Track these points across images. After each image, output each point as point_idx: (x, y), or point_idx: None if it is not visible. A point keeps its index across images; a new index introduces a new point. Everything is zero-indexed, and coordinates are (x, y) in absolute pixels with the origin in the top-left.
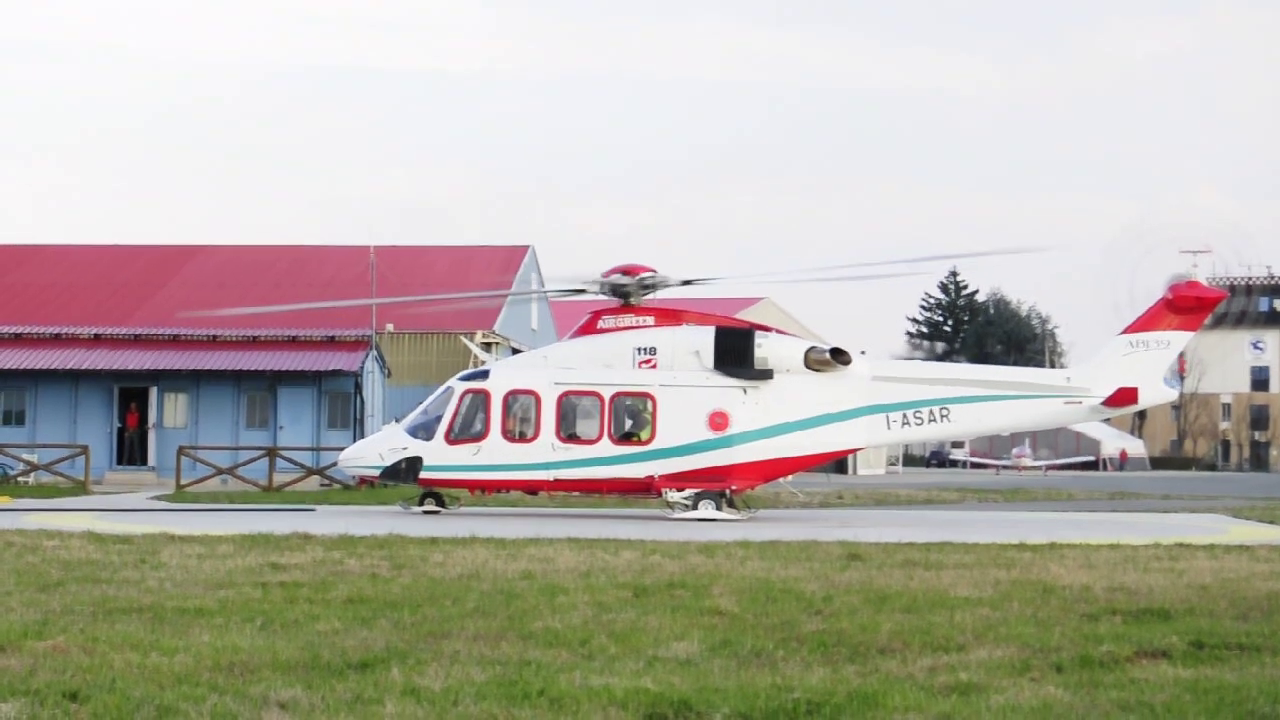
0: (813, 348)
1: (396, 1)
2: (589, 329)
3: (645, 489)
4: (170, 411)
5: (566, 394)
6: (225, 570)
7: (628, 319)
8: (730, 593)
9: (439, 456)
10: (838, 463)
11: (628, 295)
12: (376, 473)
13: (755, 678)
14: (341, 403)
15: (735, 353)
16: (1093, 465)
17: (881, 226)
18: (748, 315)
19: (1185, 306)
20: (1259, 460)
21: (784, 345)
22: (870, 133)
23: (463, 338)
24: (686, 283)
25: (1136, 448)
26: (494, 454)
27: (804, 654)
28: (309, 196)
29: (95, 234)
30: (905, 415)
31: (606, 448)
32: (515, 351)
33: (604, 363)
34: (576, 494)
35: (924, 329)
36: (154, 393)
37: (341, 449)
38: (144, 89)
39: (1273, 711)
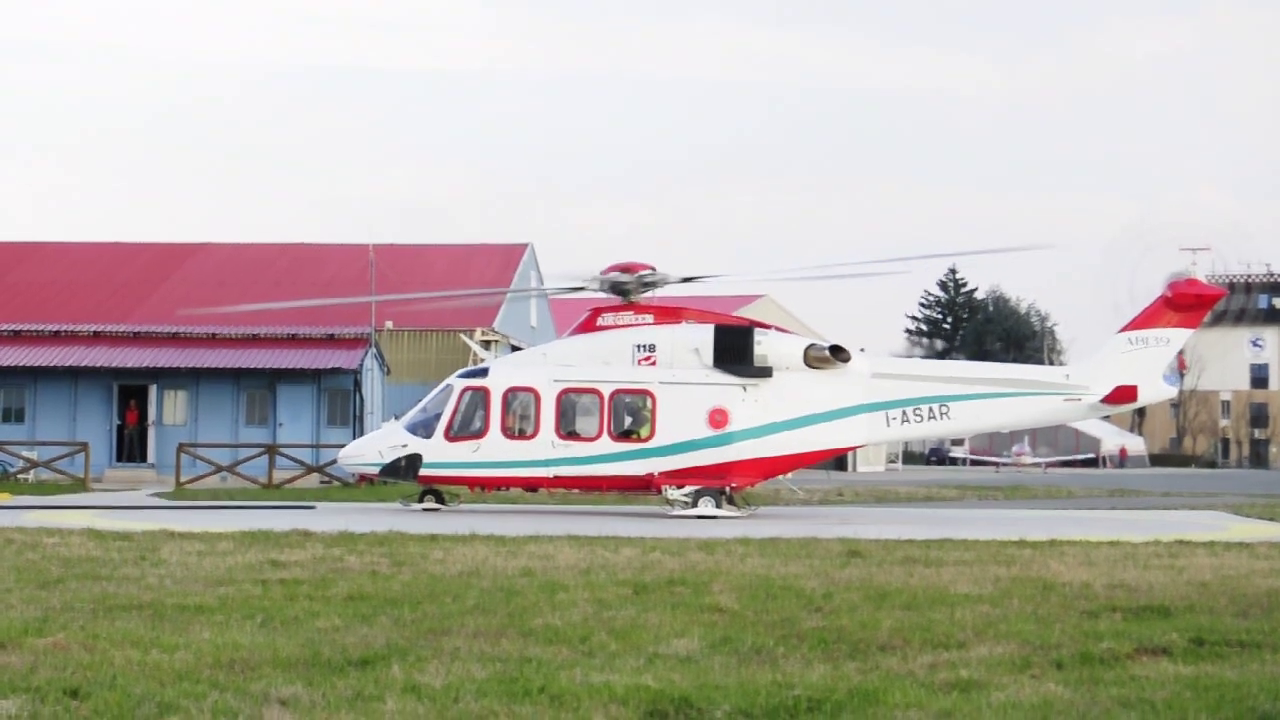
0: (812, 345)
1: (396, 1)
2: (588, 326)
3: (645, 486)
4: (170, 409)
5: (566, 391)
6: (225, 567)
7: (627, 317)
8: (730, 590)
9: (439, 454)
10: (837, 460)
11: (627, 293)
12: (376, 470)
13: (756, 675)
14: (341, 400)
15: (735, 350)
16: (1092, 462)
17: (881, 226)
18: (747, 313)
19: (1184, 304)
20: (1258, 457)
21: (783, 343)
22: (870, 133)
23: (462, 335)
24: (686, 280)
25: (1136, 445)
26: (493, 451)
27: (804, 651)
28: (309, 196)
29: (95, 233)
30: (905, 412)
31: (606, 445)
32: (514, 349)
33: (603, 360)
34: (576, 491)
35: (923, 326)
36: (154, 390)
37: (341, 446)
38: (144, 89)
39: (1273, 708)
